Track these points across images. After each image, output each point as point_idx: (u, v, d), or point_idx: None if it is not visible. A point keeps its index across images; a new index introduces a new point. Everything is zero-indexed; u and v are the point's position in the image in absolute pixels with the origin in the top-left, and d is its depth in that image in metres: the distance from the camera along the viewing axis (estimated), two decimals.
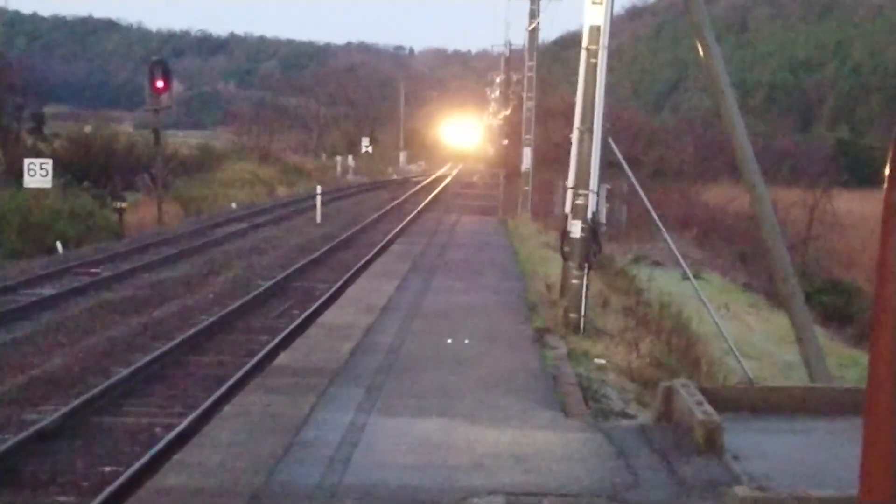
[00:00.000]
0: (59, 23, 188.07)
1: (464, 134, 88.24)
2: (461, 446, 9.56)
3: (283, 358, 13.60)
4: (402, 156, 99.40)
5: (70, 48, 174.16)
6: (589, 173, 16.58)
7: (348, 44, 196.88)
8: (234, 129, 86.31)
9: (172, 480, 8.45)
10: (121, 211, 35.39)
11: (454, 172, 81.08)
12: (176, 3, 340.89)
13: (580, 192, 16.66)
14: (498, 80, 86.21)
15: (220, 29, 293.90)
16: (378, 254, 27.53)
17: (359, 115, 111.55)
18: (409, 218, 39.01)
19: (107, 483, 9.69)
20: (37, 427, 11.20)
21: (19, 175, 31.41)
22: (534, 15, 41.92)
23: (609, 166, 18.15)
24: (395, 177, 79.48)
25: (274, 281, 22.54)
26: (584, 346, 15.39)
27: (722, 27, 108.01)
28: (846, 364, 25.33)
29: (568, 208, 16.97)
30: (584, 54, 16.61)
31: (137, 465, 10.04)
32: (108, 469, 10.33)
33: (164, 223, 36.65)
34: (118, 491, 9.26)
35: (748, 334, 28.60)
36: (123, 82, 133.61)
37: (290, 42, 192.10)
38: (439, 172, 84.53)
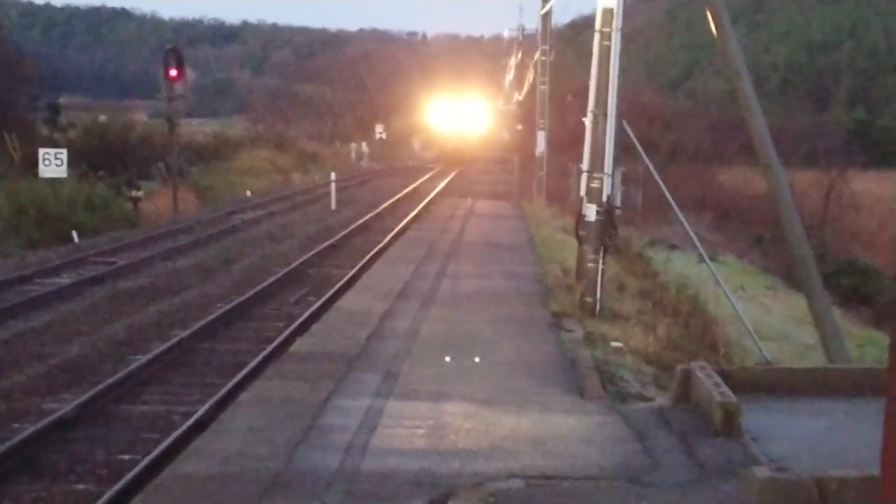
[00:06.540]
0: (72, 13, 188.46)
1: (476, 120, 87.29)
2: (479, 430, 9.55)
3: (300, 344, 13.62)
4: (416, 141, 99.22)
5: (84, 38, 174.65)
6: (604, 157, 16.53)
7: (361, 30, 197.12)
8: (249, 117, 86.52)
9: (191, 467, 8.47)
10: (136, 200, 35.44)
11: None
12: None
13: (595, 175, 16.61)
14: (512, 62, 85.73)
15: (233, 17, 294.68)
16: (394, 239, 27.49)
17: (373, 102, 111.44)
18: (423, 203, 38.91)
19: (125, 471, 9.72)
20: (56, 416, 11.24)
21: (34, 165, 31.48)
22: None
23: (624, 150, 18.09)
24: (409, 162, 79.34)
25: (290, 268, 22.54)
26: (601, 330, 15.37)
27: (737, 9, 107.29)
28: (864, 345, 25.25)
29: (583, 192, 16.93)
30: (597, 37, 16.55)
31: (156, 452, 10.07)
32: (126, 457, 10.36)
33: (180, 212, 36.68)
34: (136, 479, 9.30)
35: (765, 316, 28.53)
36: (138, 71, 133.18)
37: (303, 29, 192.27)
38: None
